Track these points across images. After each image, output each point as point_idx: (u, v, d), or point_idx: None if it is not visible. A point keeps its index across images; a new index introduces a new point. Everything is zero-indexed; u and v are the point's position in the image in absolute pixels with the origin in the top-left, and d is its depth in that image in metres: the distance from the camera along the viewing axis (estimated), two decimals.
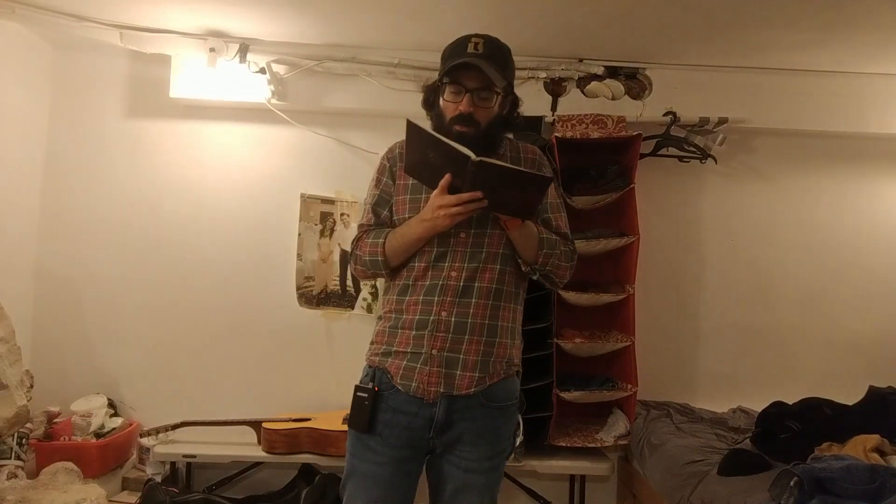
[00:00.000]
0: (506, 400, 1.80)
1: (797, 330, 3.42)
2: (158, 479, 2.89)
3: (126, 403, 3.15)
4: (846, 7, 2.56)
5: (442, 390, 1.71)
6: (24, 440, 2.64)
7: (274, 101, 3.09)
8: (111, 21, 2.89)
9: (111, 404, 3.07)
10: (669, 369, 3.36)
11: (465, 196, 1.62)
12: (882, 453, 2.16)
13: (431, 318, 1.73)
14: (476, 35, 1.78)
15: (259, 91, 3.07)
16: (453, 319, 1.72)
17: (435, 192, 1.66)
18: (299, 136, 3.24)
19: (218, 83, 3.05)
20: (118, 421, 3.01)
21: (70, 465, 2.60)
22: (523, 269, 1.80)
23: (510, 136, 1.91)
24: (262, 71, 3.03)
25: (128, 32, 2.94)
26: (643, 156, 3.13)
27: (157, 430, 2.95)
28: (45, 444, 2.76)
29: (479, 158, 1.57)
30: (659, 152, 3.20)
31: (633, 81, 3.24)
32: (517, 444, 2.86)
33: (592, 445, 3.01)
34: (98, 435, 2.87)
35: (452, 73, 1.74)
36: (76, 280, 3.17)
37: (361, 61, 3.09)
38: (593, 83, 3.20)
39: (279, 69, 3.08)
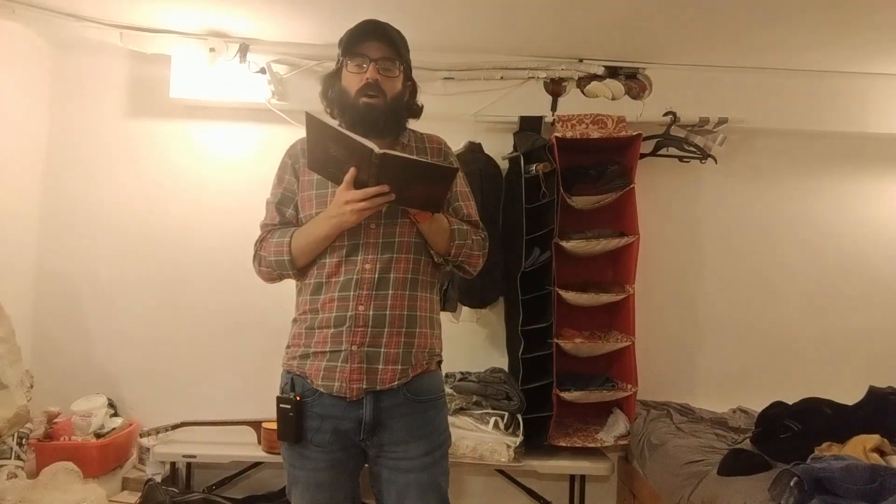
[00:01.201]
0: (432, 392, 1.76)
1: (797, 330, 3.42)
2: (158, 479, 2.89)
3: (126, 403, 3.15)
4: (846, 7, 2.56)
5: (365, 386, 1.66)
6: (24, 440, 2.63)
7: (274, 101, 3.09)
8: (111, 21, 2.90)
9: (111, 404, 3.07)
10: (669, 369, 3.36)
11: (371, 190, 1.58)
12: (882, 453, 2.16)
13: (349, 313, 1.68)
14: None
15: (259, 91, 3.07)
16: (371, 313, 1.67)
17: (340, 187, 1.62)
18: (299, 137, 3.22)
19: (218, 83, 3.05)
20: (118, 421, 3.01)
21: (70, 465, 2.60)
22: (436, 259, 1.77)
23: (413, 129, 1.87)
24: (262, 71, 3.04)
25: (128, 32, 2.94)
26: (643, 156, 3.13)
27: (157, 430, 2.95)
28: (45, 444, 2.76)
29: (382, 151, 1.54)
30: (659, 152, 3.20)
31: (633, 81, 3.24)
32: (518, 444, 2.87)
33: (592, 445, 3.01)
34: (98, 435, 2.87)
35: (354, 46, 1.71)
36: (76, 280, 3.17)
37: None
38: (593, 83, 3.20)
39: (279, 69, 3.08)
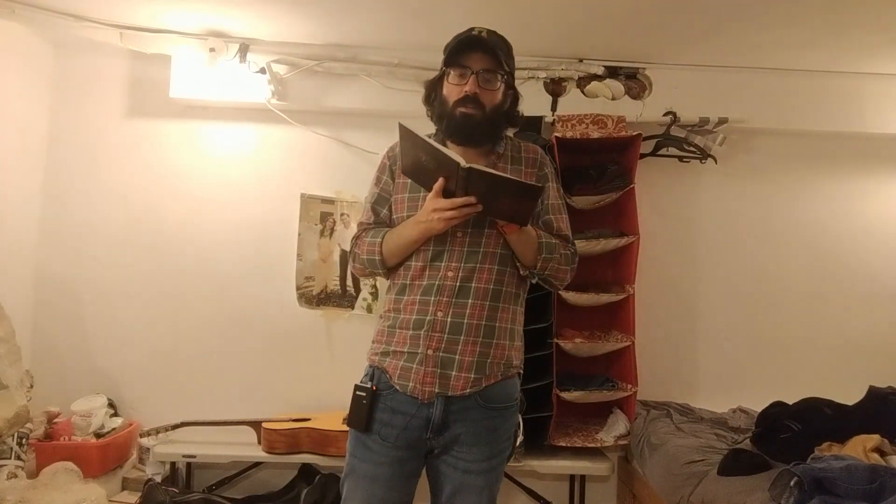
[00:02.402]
0: (504, 401, 1.78)
1: (797, 330, 3.42)
2: (158, 479, 2.88)
3: (126, 403, 3.15)
4: (846, 7, 2.56)
5: (437, 390, 1.71)
6: (24, 440, 2.63)
7: (274, 101, 3.09)
8: (111, 21, 2.89)
9: (111, 404, 3.06)
10: (669, 369, 3.35)
11: (458, 201, 1.62)
12: (882, 453, 2.16)
13: (428, 318, 1.72)
14: (479, 27, 1.79)
15: (259, 91, 3.07)
16: (449, 320, 1.71)
17: (430, 195, 1.67)
18: (299, 136, 3.24)
19: (218, 83, 3.06)
20: (118, 421, 3.00)
21: (70, 465, 2.60)
22: (522, 272, 1.80)
23: (510, 134, 1.91)
24: (262, 71, 3.04)
25: (128, 32, 2.94)
26: (643, 156, 3.13)
27: (157, 430, 2.95)
28: (45, 444, 2.76)
29: (468, 165, 1.58)
30: (659, 152, 3.20)
31: (633, 81, 3.24)
32: (518, 444, 2.87)
33: (592, 445, 3.01)
34: (98, 435, 2.87)
35: (457, 56, 1.74)
36: (76, 280, 3.17)
37: (361, 61, 3.09)
38: (593, 83, 3.21)
39: (279, 69, 3.08)
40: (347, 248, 3.00)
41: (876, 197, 3.48)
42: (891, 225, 3.48)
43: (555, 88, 3.21)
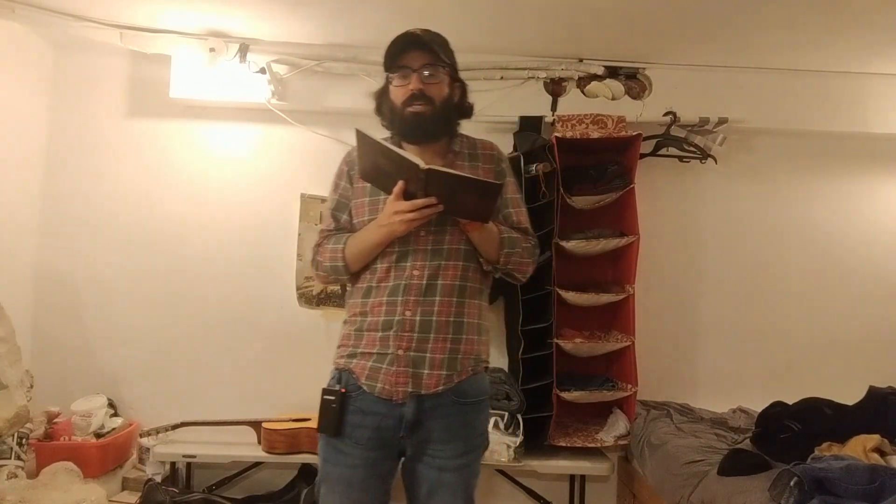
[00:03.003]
0: (477, 395, 1.78)
1: (797, 330, 3.42)
2: (158, 479, 2.89)
3: (126, 403, 3.15)
4: (846, 7, 2.56)
5: (410, 390, 1.70)
6: (24, 440, 2.63)
7: (274, 101, 3.09)
8: (111, 21, 2.89)
9: (111, 404, 3.06)
10: (669, 369, 3.35)
11: (419, 202, 1.62)
12: (882, 453, 2.16)
13: (396, 318, 1.71)
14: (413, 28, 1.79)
15: (259, 91, 3.07)
16: (418, 318, 1.71)
17: (390, 197, 1.66)
18: (299, 136, 3.24)
19: (218, 83, 3.06)
20: (118, 421, 3.01)
21: (70, 465, 2.60)
22: (485, 267, 1.80)
23: (466, 135, 1.90)
24: (262, 71, 3.04)
25: (128, 32, 2.94)
26: (643, 156, 3.13)
27: (157, 430, 2.95)
28: (45, 444, 2.76)
29: (427, 167, 1.57)
30: (659, 152, 3.20)
31: (633, 81, 3.24)
32: (518, 444, 2.87)
33: (592, 445, 3.01)
34: (98, 435, 2.87)
35: (396, 59, 1.76)
36: (76, 280, 3.17)
37: (361, 61, 3.09)
38: (593, 83, 3.21)
39: (279, 69, 3.08)
40: None
41: (876, 197, 3.48)
42: (891, 225, 3.48)
43: (555, 88, 3.21)
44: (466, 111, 1.86)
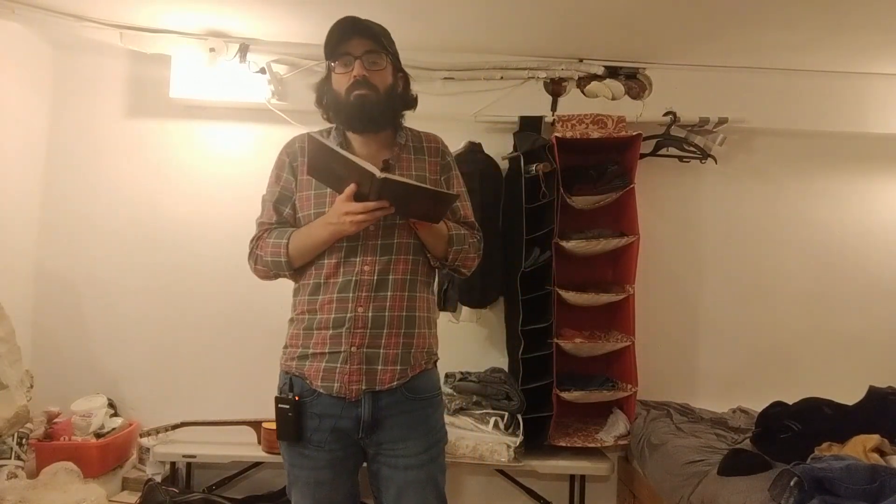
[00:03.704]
0: (430, 391, 1.78)
1: (797, 330, 3.42)
2: (158, 479, 2.89)
3: (126, 403, 3.15)
4: (846, 8, 2.56)
5: (364, 387, 1.68)
6: (24, 440, 2.63)
7: (274, 101, 3.09)
8: (111, 21, 2.89)
9: (111, 404, 3.06)
10: (669, 369, 3.36)
11: (371, 205, 1.60)
12: (882, 453, 2.16)
13: (348, 314, 1.69)
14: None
15: (259, 91, 3.07)
16: (370, 314, 1.69)
17: (340, 196, 1.63)
18: (298, 135, 3.23)
19: (218, 83, 3.05)
20: (118, 421, 3.00)
21: (70, 465, 2.60)
22: (432, 263, 1.79)
23: (411, 128, 1.87)
24: (262, 71, 3.04)
25: (128, 32, 2.94)
26: (643, 156, 3.13)
27: (157, 430, 2.95)
28: (45, 444, 2.76)
29: (383, 176, 1.55)
30: (659, 152, 3.20)
31: (633, 81, 3.24)
32: (518, 444, 2.87)
33: (592, 445, 3.01)
34: (98, 435, 2.87)
35: (337, 47, 1.72)
36: (76, 280, 3.17)
37: None
38: (593, 83, 3.21)
39: (279, 69, 3.08)
40: None
41: (876, 197, 3.49)
42: (891, 225, 3.48)
43: (555, 88, 3.21)
44: (410, 102, 1.83)
